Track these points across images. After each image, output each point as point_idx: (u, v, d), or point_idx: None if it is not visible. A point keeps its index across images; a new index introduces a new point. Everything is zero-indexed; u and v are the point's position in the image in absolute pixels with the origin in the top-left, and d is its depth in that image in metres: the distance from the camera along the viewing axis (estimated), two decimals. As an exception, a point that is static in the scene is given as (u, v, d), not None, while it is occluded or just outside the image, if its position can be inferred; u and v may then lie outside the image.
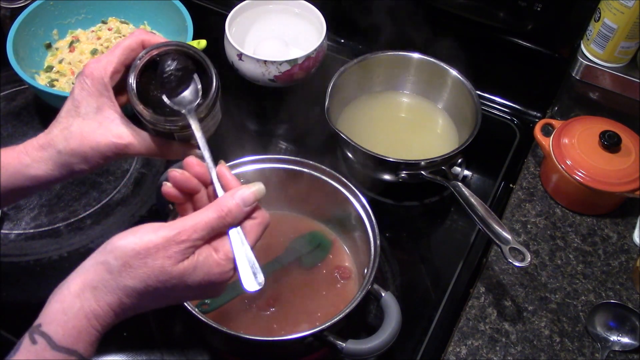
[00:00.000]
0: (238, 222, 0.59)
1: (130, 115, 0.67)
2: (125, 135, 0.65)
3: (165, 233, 0.55)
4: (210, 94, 0.64)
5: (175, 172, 0.61)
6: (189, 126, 0.64)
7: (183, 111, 0.64)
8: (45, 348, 0.54)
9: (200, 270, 0.56)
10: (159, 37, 0.66)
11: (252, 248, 0.59)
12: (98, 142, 0.64)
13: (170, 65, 0.63)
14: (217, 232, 0.58)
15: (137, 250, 0.55)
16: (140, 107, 0.63)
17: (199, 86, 0.65)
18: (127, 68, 0.65)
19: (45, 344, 0.54)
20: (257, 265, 0.58)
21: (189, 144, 0.68)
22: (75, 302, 0.55)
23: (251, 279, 0.58)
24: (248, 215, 0.59)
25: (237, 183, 0.61)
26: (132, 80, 0.63)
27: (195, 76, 0.65)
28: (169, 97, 0.64)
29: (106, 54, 0.66)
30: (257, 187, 0.60)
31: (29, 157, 0.65)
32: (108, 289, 0.55)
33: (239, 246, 0.58)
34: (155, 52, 0.64)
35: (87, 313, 0.55)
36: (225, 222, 0.58)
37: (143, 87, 0.64)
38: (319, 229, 0.89)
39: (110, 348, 0.82)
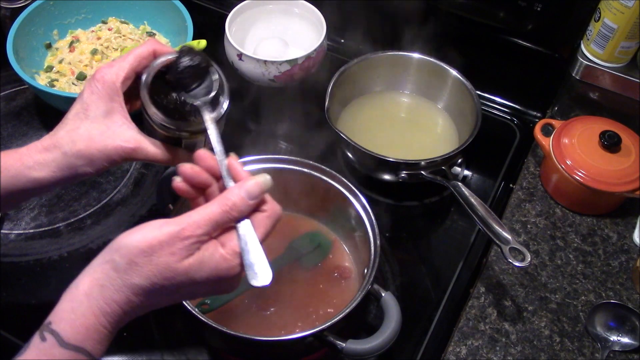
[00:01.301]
0: (244, 216, 0.57)
1: (138, 123, 0.67)
2: (133, 140, 0.65)
3: (170, 229, 0.55)
4: (224, 90, 0.65)
5: (185, 167, 0.60)
6: (199, 132, 0.65)
7: (197, 103, 0.63)
8: (54, 345, 0.54)
9: (206, 266, 0.55)
10: (170, 49, 0.66)
11: (262, 242, 0.57)
12: (106, 144, 0.64)
13: (185, 62, 0.62)
14: (223, 227, 0.57)
15: (142, 248, 0.54)
16: (153, 110, 0.64)
17: (213, 85, 0.64)
18: (137, 75, 0.66)
19: (54, 341, 0.55)
20: (265, 259, 0.57)
21: (194, 151, 0.65)
22: (84, 300, 0.55)
23: (258, 274, 0.56)
24: (256, 208, 0.58)
25: (246, 175, 0.60)
26: (146, 80, 0.63)
27: (211, 78, 0.65)
28: (182, 95, 0.63)
29: (118, 59, 0.66)
30: (263, 179, 0.58)
31: (32, 159, 0.64)
32: (115, 288, 0.55)
33: (247, 240, 0.57)
34: (171, 57, 0.63)
35: (95, 311, 0.55)
36: (231, 216, 0.56)
37: (155, 91, 0.64)
38: (319, 229, 0.89)
39: (111, 348, 0.82)
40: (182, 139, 0.66)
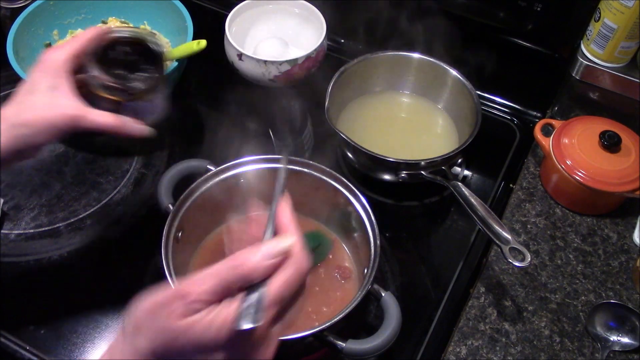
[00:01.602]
0: (259, 276, 0.50)
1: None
2: (77, 108, 0.70)
3: (172, 289, 0.50)
4: (159, 66, 0.75)
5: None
6: (139, 92, 0.74)
7: (125, 86, 0.72)
8: None
9: (212, 329, 0.48)
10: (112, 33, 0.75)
11: (271, 306, 0.50)
12: (50, 113, 0.69)
13: (124, 35, 0.74)
14: (235, 287, 0.50)
15: (146, 310, 0.51)
16: (96, 72, 0.72)
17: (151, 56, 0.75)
18: (84, 55, 0.72)
19: None
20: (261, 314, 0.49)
21: (139, 117, 0.75)
22: None
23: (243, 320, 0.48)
24: (275, 268, 0.51)
25: (288, 228, 0.55)
26: (91, 50, 0.72)
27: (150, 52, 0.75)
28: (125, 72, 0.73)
29: (65, 42, 0.73)
30: (287, 242, 0.52)
31: None
32: (125, 352, 0.52)
33: (255, 302, 0.49)
34: (112, 35, 0.74)
35: None
36: (241, 274, 0.49)
37: (99, 60, 0.72)
38: (319, 229, 0.89)
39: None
40: (124, 102, 0.74)
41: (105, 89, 0.72)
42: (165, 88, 0.76)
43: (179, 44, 1.04)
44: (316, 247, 0.85)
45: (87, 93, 0.73)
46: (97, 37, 0.73)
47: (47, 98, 0.70)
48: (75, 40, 0.73)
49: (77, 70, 0.73)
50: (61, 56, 0.71)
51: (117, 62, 0.73)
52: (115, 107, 0.74)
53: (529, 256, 0.78)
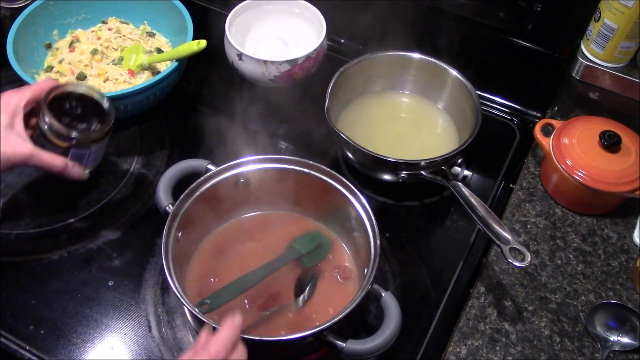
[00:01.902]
0: None
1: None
2: (29, 148, 0.80)
3: None
4: (106, 121, 0.85)
5: None
6: (85, 143, 0.83)
7: (73, 135, 0.82)
8: None
9: None
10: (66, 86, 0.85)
11: None
12: (9, 150, 0.79)
13: (77, 91, 0.85)
14: None
15: None
16: (48, 118, 0.81)
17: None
18: (39, 102, 0.82)
19: None
20: None
21: (81, 162, 0.86)
22: None
23: None
24: None
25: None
26: (45, 97, 0.82)
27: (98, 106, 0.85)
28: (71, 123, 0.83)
29: (21, 88, 0.83)
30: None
31: None
32: None
33: None
34: (66, 88, 0.84)
35: None
36: None
37: (51, 108, 0.82)
38: (319, 229, 0.89)
39: (111, 347, 0.82)
40: (70, 148, 0.83)
41: (54, 135, 0.82)
42: (107, 141, 0.88)
43: (179, 44, 1.04)
44: (316, 247, 0.85)
45: (36, 135, 0.83)
46: (53, 88, 0.83)
47: (4, 134, 0.79)
48: (32, 87, 0.83)
49: (31, 114, 0.83)
50: (18, 100, 0.81)
51: (67, 113, 0.83)
52: (60, 151, 0.83)
53: (529, 256, 0.78)
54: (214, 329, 0.68)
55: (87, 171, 0.87)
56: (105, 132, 0.85)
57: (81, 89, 0.85)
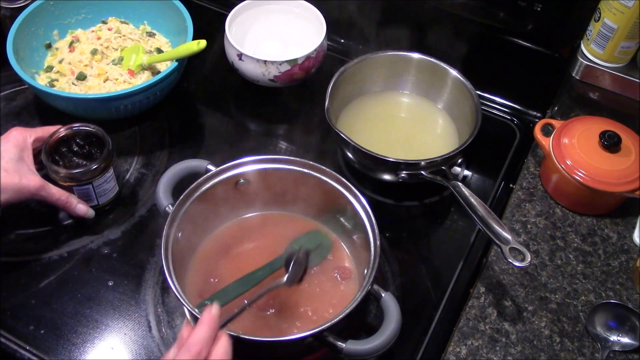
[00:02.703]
0: None
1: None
2: (39, 181, 0.85)
3: None
4: (103, 155, 0.88)
5: None
6: (84, 183, 0.88)
7: (69, 173, 0.87)
8: None
9: None
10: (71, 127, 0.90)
11: None
12: (18, 181, 0.83)
13: (81, 136, 0.90)
14: None
15: None
16: (44, 157, 0.86)
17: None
18: (42, 143, 0.88)
19: None
20: None
21: (88, 199, 0.90)
22: None
23: None
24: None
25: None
26: (47, 141, 0.87)
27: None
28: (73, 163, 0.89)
29: (28, 128, 0.88)
30: None
31: None
32: None
33: None
34: (67, 131, 0.89)
35: None
36: None
37: (54, 151, 0.88)
38: (319, 229, 0.89)
39: (110, 347, 0.82)
40: (72, 186, 0.88)
41: (53, 174, 0.87)
42: (112, 175, 0.91)
43: (179, 44, 1.04)
44: (316, 247, 0.85)
45: (42, 175, 0.87)
46: (57, 130, 0.88)
47: (16, 167, 0.84)
48: (41, 128, 0.89)
49: (37, 154, 0.88)
50: (27, 136, 0.87)
51: (73, 152, 0.89)
52: (68, 186, 0.88)
53: (529, 256, 0.78)
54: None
55: (90, 211, 0.91)
56: (101, 169, 0.88)
57: (88, 128, 0.90)
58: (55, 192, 0.86)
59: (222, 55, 1.07)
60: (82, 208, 0.89)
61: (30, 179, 0.84)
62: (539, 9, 1.08)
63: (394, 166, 0.92)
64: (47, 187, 0.86)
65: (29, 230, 0.92)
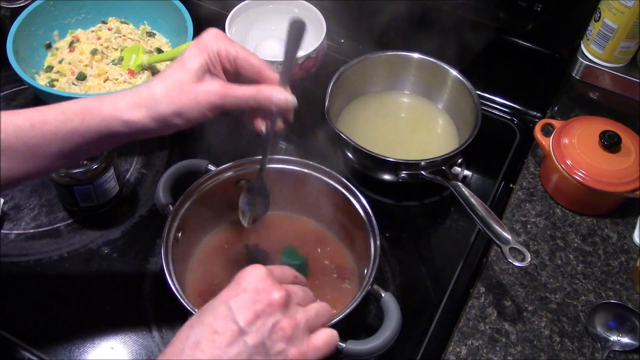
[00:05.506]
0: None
1: None
2: (221, 86, 0.67)
3: None
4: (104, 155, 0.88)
5: None
6: (81, 181, 0.89)
7: (70, 172, 0.87)
8: None
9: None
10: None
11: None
12: (197, 94, 0.66)
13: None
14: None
15: None
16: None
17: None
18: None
19: None
20: None
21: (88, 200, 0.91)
22: None
23: None
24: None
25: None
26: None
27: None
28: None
29: (227, 41, 0.69)
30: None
31: (124, 101, 0.65)
32: None
33: None
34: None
35: None
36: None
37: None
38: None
39: (110, 346, 0.82)
40: (72, 185, 0.88)
41: (58, 177, 0.88)
42: (112, 174, 0.92)
43: (179, 44, 1.04)
44: (302, 263, 0.84)
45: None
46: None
47: (196, 77, 0.67)
48: (237, 46, 0.70)
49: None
50: (222, 49, 0.69)
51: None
52: (65, 189, 0.89)
53: (529, 256, 0.78)
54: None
55: (291, 99, 0.74)
56: (102, 169, 0.88)
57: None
58: (239, 104, 0.69)
59: (222, 55, 1.07)
60: (279, 97, 0.71)
61: (211, 87, 0.67)
62: (539, 9, 1.08)
63: (394, 166, 0.92)
64: (231, 90, 0.68)
65: (29, 230, 0.92)
